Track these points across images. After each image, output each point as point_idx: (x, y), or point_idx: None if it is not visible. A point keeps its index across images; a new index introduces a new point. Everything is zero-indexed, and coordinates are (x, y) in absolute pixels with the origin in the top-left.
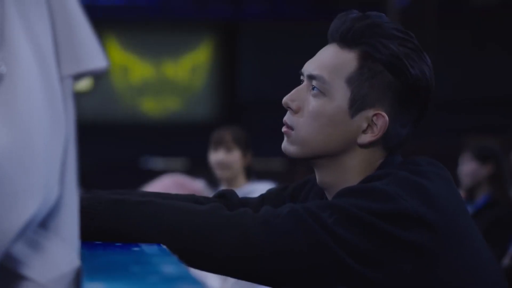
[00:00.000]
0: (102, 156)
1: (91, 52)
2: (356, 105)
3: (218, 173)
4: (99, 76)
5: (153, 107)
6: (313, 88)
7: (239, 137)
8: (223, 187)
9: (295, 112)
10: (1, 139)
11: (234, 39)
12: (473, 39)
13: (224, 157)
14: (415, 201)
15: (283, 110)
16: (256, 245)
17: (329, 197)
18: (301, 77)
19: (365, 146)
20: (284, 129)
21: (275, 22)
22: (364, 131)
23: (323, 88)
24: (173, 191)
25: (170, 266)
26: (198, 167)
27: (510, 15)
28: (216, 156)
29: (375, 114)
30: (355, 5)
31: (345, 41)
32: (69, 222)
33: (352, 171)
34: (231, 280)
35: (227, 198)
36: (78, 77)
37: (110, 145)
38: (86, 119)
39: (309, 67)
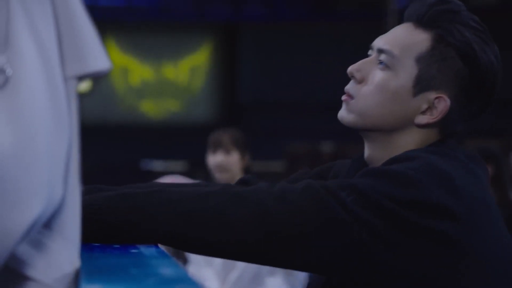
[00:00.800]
0: (101, 157)
1: (95, 53)
2: (421, 85)
3: (217, 175)
4: (99, 78)
5: (153, 108)
6: (380, 62)
7: (238, 139)
8: None
9: (359, 82)
10: (6, 140)
11: (233, 40)
12: None
13: (223, 159)
14: (438, 190)
15: (283, 112)
16: (271, 222)
17: None
18: (369, 51)
19: (421, 127)
20: (344, 97)
21: (275, 23)
22: (423, 112)
23: (390, 63)
24: None
25: (169, 268)
26: (198, 168)
27: (510, 15)
28: (215, 159)
29: (438, 97)
30: (354, 6)
31: (421, 22)
32: (72, 222)
33: (402, 149)
34: (230, 281)
35: (250, 184)
36: (81, 78)
37: (109, 147)
38: (86, 121)
39: (380, 41)
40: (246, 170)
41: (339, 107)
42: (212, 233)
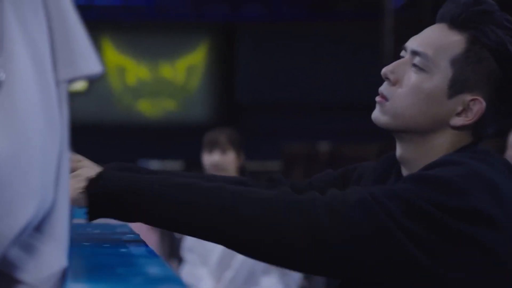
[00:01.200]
0: (98, 157)
1: (87, 56)
2: (456, 87)
3: None
4: (92, 80)
5: (150, 108)
6: (414, 65)
7: (234, 138)
8: None
9: (393, 83)
10: (1, 144)
11: (231, 40)
12: None
13: (219, 159)
14: (487, 199)
15: (280, 112)
16: (325, 233)
17: (406, 172)
18: (402, 52)
19: (456, 128)
20: (378, 98)
21: (273, 23)
22: (458, 114)
23: (425, 65)
24: None
25: (155, 267)
26: (195, 168)
27: (506, 15)
28: (211, 158)
29: (473, 99)
30: (352, 6)
31: (455, 23)
32: (62, 224)
33: (436, 150)
34: (225, 281)
35: (277, 183)
36: (72, 81)
37: (106, 146)
38: (83, 120)
39: (414, 43)
40: (241, 169)
41: (336, 107)
42: (264, 237)
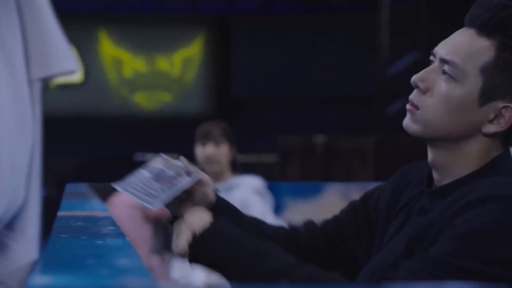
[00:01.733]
0: (94, 149)
1: (61, 55)
2: (487, 95)
3: (207, 167)
4: (91, 71)
5: (146, 101)
6: (444, 73)
7: (226, 130)
8: None
9: (423, 92)
10: None
11: (227, 33)
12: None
13: (213, 152)
14: None
15: (276, 105)
16: None
17: (437, 177)
18: (431, 57)
19: (488, 136)
20: (408, 106)
21: (268, 16)
22: (490, 121)
23: (455, 74)
24: None
25: (126, 259)
26: (191, 161)
27: None
28: (205, 151)
29: (504, 106)
30: None
31: (484, 29)
32: (33, 222)
33: (468, 157)
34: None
35: (311, 228)
36: (47, 79)
37: (102, 138)
38: (79, 113)
39: (443, 50)
40: (234, 162)
41: (332, 100)
42: None
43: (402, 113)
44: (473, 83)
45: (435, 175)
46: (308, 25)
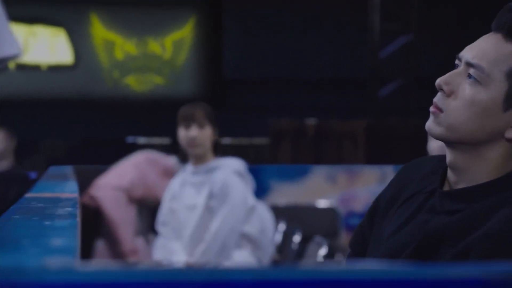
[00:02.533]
0: (86, 132)
1: (5, 39)
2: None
3: (190, 150)
4: (83, 53)
5: (137, 83)
6: (469, 76)
7: (210, 113)
8: (191, 163)
9: (447, 95)
10: None
11: (218, 16)
12: (457, 18)
13: (197, 134)
14: None
15: (268, 88)
16: None
17: (453, 178)
18: (456, 61)
19: (511, 141)
20: (432, 109)
21: None
22: None
23: (480, 78)
24: (146, 166)
25: (62, 240)
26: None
27: None
28: (189, 133)
29: None
30: None
31: (509, 34)
32: None
33: (489, 162)
34: (197, 254)
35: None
36: None
37: (94, 121)
38: (70, 95)
39: (469, 54)
40: (216, 144)
41: (324, 83)
42: None
43: (393, 96)
44: (498, 88)
45: (451, 176)
46: (300, 8)
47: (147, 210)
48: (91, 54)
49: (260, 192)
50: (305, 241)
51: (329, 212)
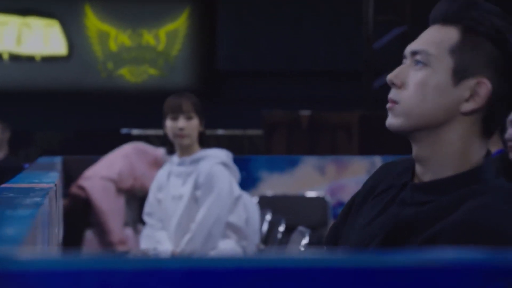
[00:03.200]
0: (80, 123)
1: None
2: (459, 74)
3: (178, 141)
4: (77, 44)
5: (131, 75)
6: (416, 63)
7: (197, 104)
8: (178, 154)
9: (399, 87)
10: None
11: (212, 7)
12: None
13: (185, 125)
14: None
15: (262, 79)
16: None
17: (423, 171)
18: (403, 60)
19: (467, 114)
20: (388, 105)
21: None
22: (467, 100)
23: (426, 60)
24: (135, 157)
25: (12, 229)
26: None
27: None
28: (176, 125)
29: (478, 82)
30: None
31: (447, 20)
32: None
33: (450, 145)
34: (183, 244)
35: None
36: None
37: (88, 112)
38: (64, 87)
39: (412, 45)
40: (202, 135)
41: (318, 74)
42: None
43: (387, 87)
44: (445, 66)
45: (418, 168)
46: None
47: (136, 200)
48: (85, 46)
49: (250, 182)
50: (289, 230)
51: (319, 201)
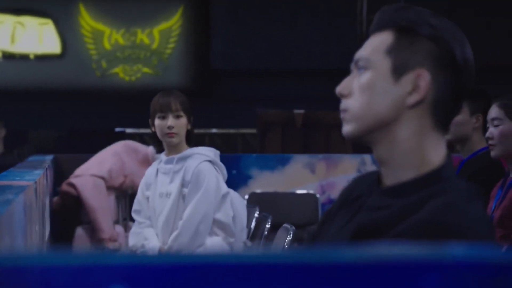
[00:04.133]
0: (74, 122)
1: None
2: (398, 71)
3: (167, 140)
4: (70, 43)
5: (125, 73)
6: (359, 70)
7: (185, 102)
8: (166, 152)
9: (347, 96)
10: None
11: (207, 6)
12: (444, 8)
13: (175, 124)
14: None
15: (256, 78)
16: None
17: (385, 173)
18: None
19: (413, 107)
20: (341, 115)
21: None
22: (410, 93)
23: (366, 64)
24: (125, 155)
25: None
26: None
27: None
28: (165, 123)
29: (417, 76)
30: None
31: (382, 26)
32: None
33: (406, 141)
34: (170, 240)
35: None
36: None
37: (82, 111)
38: (58, 85)
39: (354, 56)
40: (190, 134)
41: (312, 73)
42: None
43: None
44: (384, 65)
45: (382, 172)
46: None
47: (126, 198)
48: (79, 44)
49: (242, 180)
50: (277, 227)
51: (309, 198)
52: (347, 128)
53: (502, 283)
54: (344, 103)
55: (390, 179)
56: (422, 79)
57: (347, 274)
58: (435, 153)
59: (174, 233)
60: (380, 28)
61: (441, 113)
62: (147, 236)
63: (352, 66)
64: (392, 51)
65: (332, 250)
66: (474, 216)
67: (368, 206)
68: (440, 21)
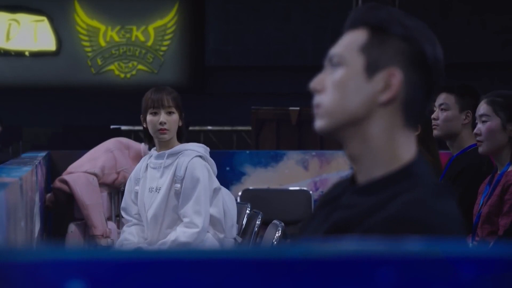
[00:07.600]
0: (70, 119)
1: None
2: (371, 69)
3: (159, 136)
4: (66, 40)
5: (120, 70)
6: (332, 66)
7: (177, 98)
8: (157, 148)
9: (320, 91)
10: None
11: (201, 3)
12: (439, 7)
13: (167, 120)
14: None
15: (250, 75)
16: None
17: (357, 170)
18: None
19: (385, 105)
20: (314, 110)
21: None
22: (382, 91)
23: (340, 61)
24: (117, 152)
25: None
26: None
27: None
28: (157, 119)
29: (389, 74)
30: None
31: (356, 23)
32: None
33: (376, 139)
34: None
35: None
36: None
37: (77, 108)
38: (53, 82)
39: (328, 53)
40: (181, 130)
41: (306, 70)
42: None
43: None
44: (357, 63)
45: (354, 169)
46: None
47: (119, 194)
48: (74, 41)
49: (235, 177)
50: (268, 224)
51: (302, 195)
52: (319, 123)
53: (458, 277)
54: (317, 99)
55: (362, 176)
56: (394, 78)
57: (302, 268)
58: (406, 150)
59: (173, 234)
60: (354, 26)
61: (412, 111)
62: (127, 237)
63: (326, 62)
64: (365, 49)
65: (288, 246)
66: (442, 212)
67: (341, 205)
68: (411, 21)
